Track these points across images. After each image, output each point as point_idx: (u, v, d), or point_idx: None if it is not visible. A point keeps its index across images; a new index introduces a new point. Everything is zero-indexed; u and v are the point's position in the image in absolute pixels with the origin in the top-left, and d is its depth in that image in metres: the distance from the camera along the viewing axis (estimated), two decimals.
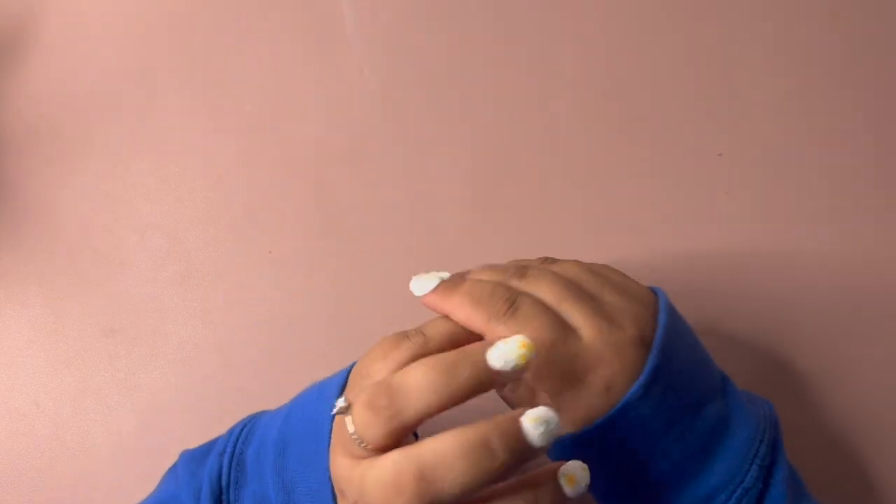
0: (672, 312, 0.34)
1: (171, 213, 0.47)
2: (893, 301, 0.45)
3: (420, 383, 0.28)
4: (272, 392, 0.38)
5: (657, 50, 0.48)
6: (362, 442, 0.28)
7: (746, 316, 0.45)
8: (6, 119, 0.48)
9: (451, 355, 0.28)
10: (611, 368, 0.31)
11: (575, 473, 0.29)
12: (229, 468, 0.35)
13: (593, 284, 0.34)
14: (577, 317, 0.32)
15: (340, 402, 0.29)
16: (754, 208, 0.47)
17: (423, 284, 0.34)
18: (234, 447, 0.35)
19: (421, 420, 0.28)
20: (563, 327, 0.32)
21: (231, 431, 0.37)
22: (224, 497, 0.34)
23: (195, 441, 0.38)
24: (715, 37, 0.49)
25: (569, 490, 0.28)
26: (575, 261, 0.37)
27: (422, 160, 0.47)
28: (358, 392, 0.30)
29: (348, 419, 0.29)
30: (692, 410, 0.33)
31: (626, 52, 0.48)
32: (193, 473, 0.36)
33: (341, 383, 0.34)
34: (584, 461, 0.31)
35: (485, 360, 0.28)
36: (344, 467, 0.30)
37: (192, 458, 0.37)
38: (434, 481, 0.27)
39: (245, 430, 0.36)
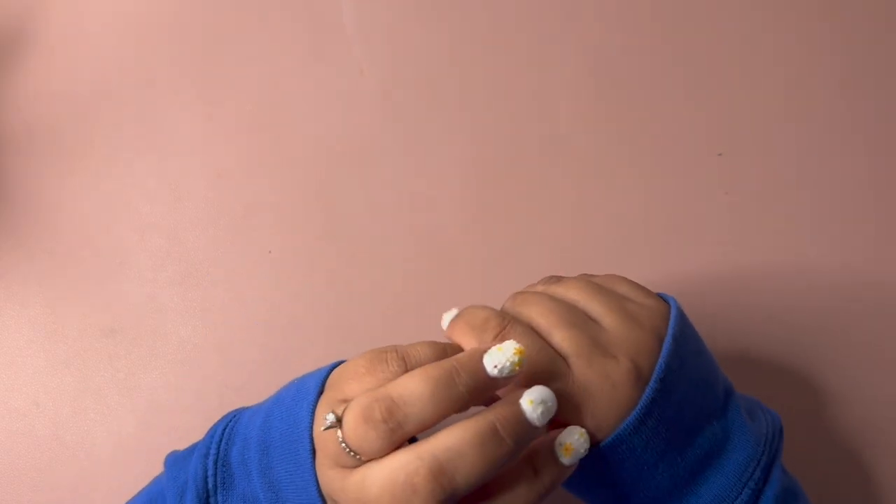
0: (680, 334, 0.33)
1: (171, 213, 0.47)
2: (894, 298, 0.45)
3: (421, 393, 0.28)
4: (272, 392, 0.38)
5: (657, 50, 0.48)
6: (356, 454, 0.29)
7: (745, 314, 0.45)
8: (6, 119, 0.48)
9: (446, 363, 0.29)
10: (601, 403, 0.31)
11: (571, 441, 0.30)
12: (215, 470, 0.34)
13: (596, 306, 0.33)
14: (568, 346, 0.32)
15: (329, 418, 0.29)
16: (754, 208, 0.47)
17: (446, 319, 0.34)
18: (218, 448, 0.35)
19: (422, 430, 0.28)
20: (552, 357, 0.31)
21: (213, 431, 0.36)
22: (212, 500, 0.34)
23: (195, 441, 0.38)
24: (715, 37, 0.49)
25: (565, 459, 0.30)
26: (581, 277, 0.36)
27: (422, 160, 0.47)
28: (336, 403, 0.30)
29: (338, 432, 0.29)
30: (686, 439, 0.32)
31: (625, 51, 0.48)
32: (175, 477, 0.35)
33: (318, 385, 0.33)
34: (571, 484, 0.32)
35: (483, 367, 0.29)
36: (335, 479, 0.30)
37: (175, 462, 0.36)
38: (452, 475, 0.27)
39: (227, 430, 0.36)
